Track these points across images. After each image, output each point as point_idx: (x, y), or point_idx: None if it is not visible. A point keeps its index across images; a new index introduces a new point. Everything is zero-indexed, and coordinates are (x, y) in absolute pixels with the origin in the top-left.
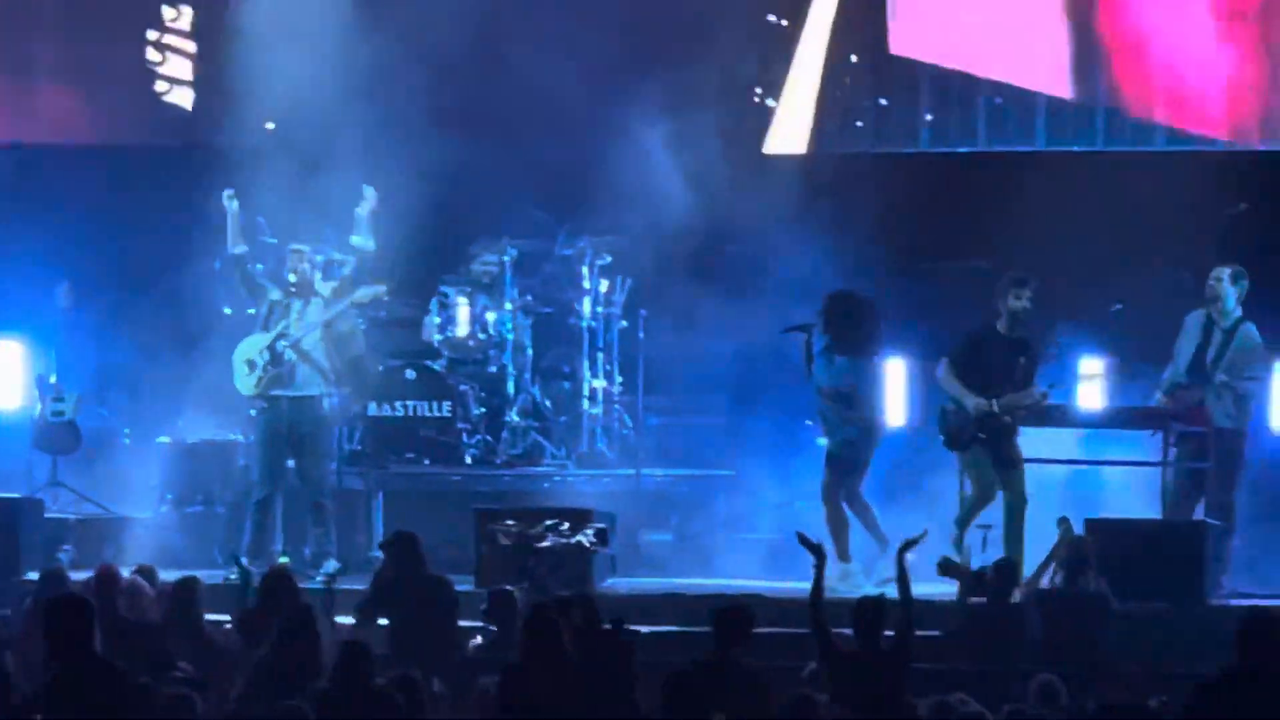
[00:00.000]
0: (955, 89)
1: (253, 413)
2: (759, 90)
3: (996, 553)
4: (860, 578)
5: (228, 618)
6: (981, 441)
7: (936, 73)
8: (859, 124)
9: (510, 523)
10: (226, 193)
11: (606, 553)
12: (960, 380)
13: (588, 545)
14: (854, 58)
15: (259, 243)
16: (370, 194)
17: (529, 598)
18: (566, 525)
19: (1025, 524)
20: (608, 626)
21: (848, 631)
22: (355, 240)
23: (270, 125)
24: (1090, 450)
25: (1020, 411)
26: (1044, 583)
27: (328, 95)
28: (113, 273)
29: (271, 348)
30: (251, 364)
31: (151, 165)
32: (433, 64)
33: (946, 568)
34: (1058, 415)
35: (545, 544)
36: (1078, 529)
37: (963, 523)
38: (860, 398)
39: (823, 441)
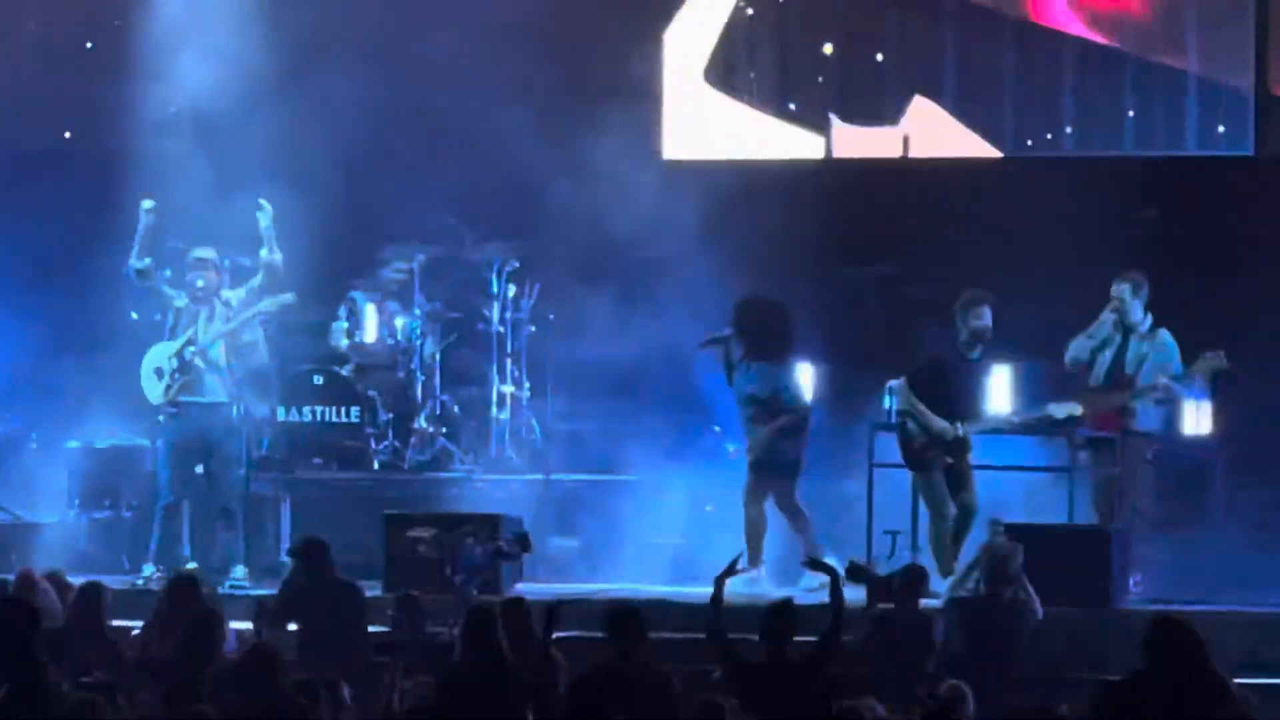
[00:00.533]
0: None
1: (161, 418)
2: (661, 96)
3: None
4: (767, 584)
5: (136, 623)
6: (943, 464)
7: None
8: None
9: (426, 530)
10: (146, 204)
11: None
12: (922, 402)
13: (506, 550)
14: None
15: (166, 247)
16: (267, 207)
17: (460, 602)
18: (485, 532)
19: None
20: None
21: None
22: (263, 255)
23: (172, 109)
24: (1000, 456)
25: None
26: (969, 588)
27: (235, 97)
28: (16, 275)
29: (179, 355)
30: (160, 371)
31: (57, 166)
32: (340, 69)
33: (854, 571)
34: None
35: (466, 550)
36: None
37: (945, 546)
38: (783, 402)
39: (732, 448)
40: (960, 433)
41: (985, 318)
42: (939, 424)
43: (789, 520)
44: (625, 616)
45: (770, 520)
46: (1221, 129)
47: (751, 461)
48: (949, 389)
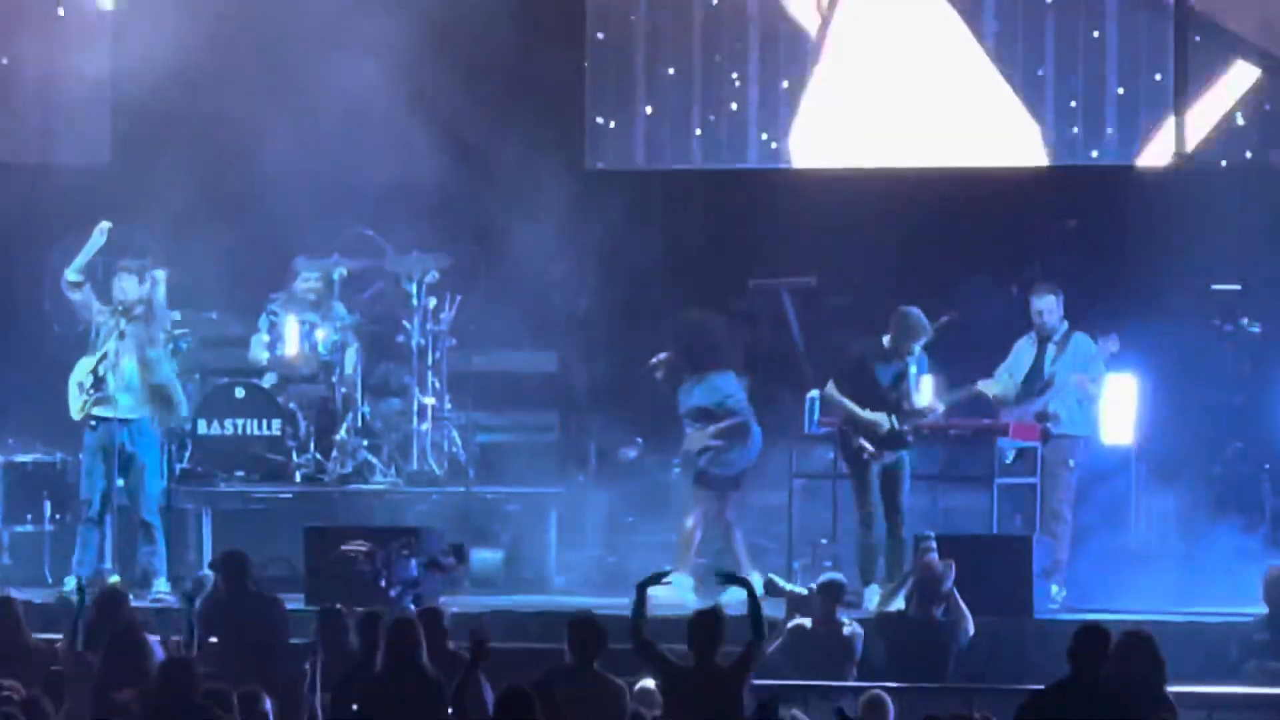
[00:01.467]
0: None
1: (84, 431)
2: (586, 105)
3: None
4: (690, 593)
5: (57, 636)
6: (875, 458)
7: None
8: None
9: (361, 544)
10: (103, 225)
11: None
12: (851, 400)
13: (441, 562)
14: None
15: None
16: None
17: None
18: (419, 543)
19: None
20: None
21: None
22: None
23: None
24: (922, 465)
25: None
26: (897, 604)
27: (160, 106)
28: None
29: (95, 370)
30: (80, 385)
31: None
32: (253, 78)
33: (771, 588)
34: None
35: (401, 563)
36: (909, 546)
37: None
38: (728, 409)
39: (678, 469)
40: (893, 425)
41: (917, 347)
42: (870, 417)
43: (722, 532)
44: (586, 626)
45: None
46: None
47: (694, 472)
48: (876, 385)
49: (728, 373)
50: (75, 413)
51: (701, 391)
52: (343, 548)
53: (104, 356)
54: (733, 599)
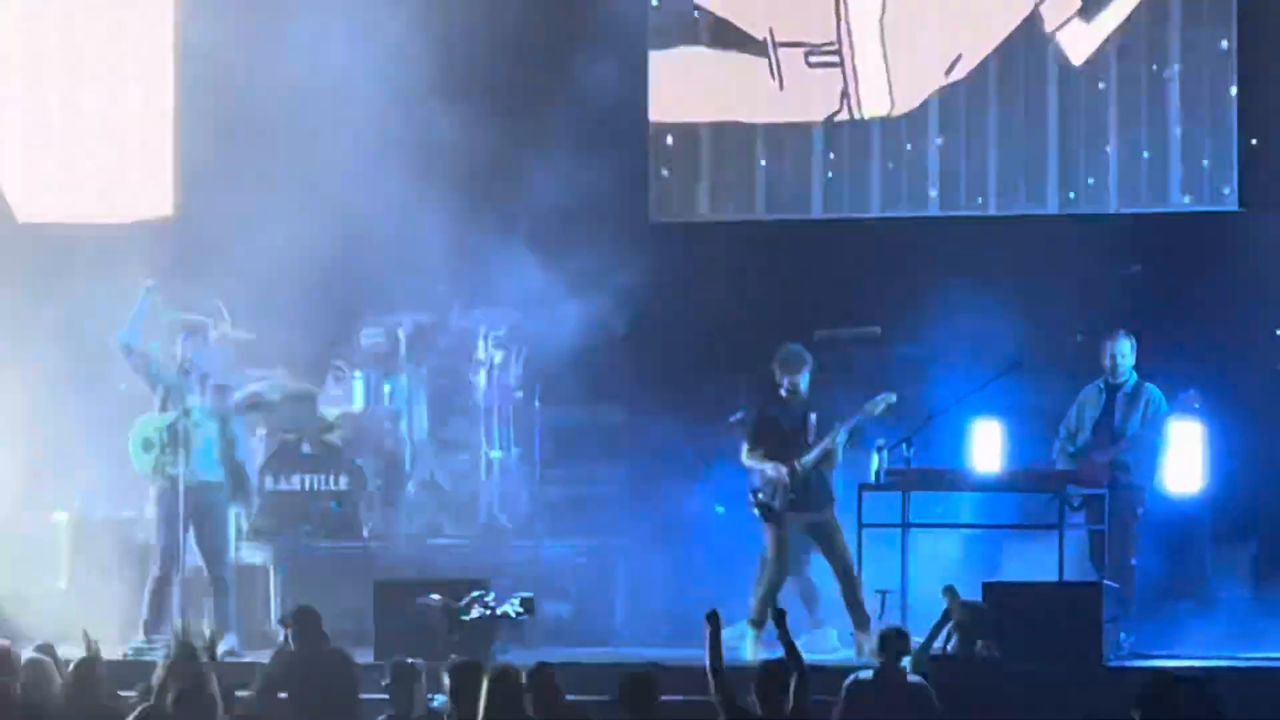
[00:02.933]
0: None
1: (152, 490)
2: (650, 158)
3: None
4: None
5: (131, 693)
6: (795, 506)
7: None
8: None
9: (435, 596)
10: (148, 283)
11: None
12: (759, 453)
13: (514, 615)
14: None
15: (154, 322)
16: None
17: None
18: (491, 595)
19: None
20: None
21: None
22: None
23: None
24: (986, 515)
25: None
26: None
27: (224, 161)
28: (7, 349)
29: (172, 429)
30: (149, 443)
31: (47, 242)
32: (325, 131)
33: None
34: (955, 479)
35: (473, 615)
36: (974, 594)
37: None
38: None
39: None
40: (797, 468)
41: (802, 380)
42: (771, 470)
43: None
44: (641, 684)
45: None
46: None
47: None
48: (781, 431)
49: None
50: (143, 469)
51: None
52: (418, 600)
53: (185, 413)
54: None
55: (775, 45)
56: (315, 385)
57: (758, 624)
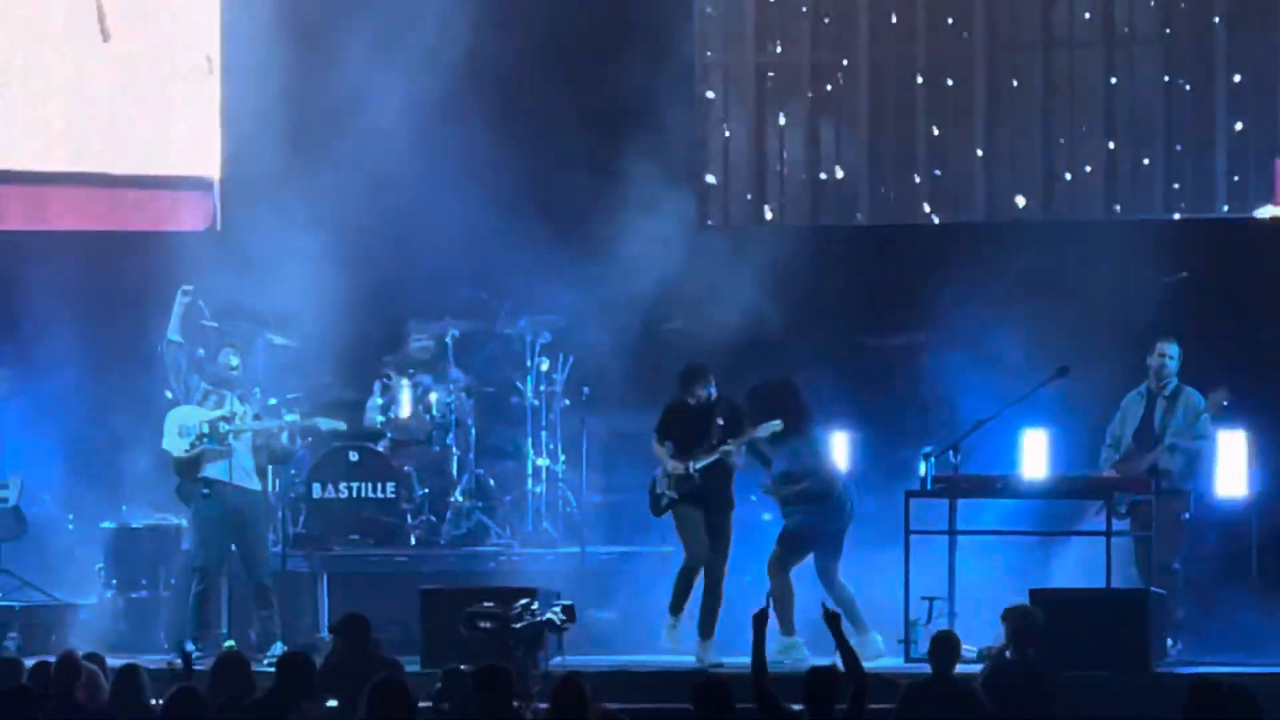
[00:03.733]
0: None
1: (197, 499)
2: (697, 163)
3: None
4: (804, 650)
5: None
6: (676, 503)
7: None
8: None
9: (489, 604)
10: (186, 288)
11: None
12: (665, 447)
13: (558, 623)
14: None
15: (200, 327)
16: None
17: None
18: (536, 604)
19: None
20: None
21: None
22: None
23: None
24: (1034, 521)
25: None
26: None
27: (268, 170)
28: (51, 358)
29: (214, 424)
30: (184, 430)
31: (87, 250)
32: (368, 141)
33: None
34: (1001, 486)
35: (522, 623)
36: (1023, 599)
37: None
38: (810, 474)
39: (768, 517)
40: (687, 470)
41: (709, 389)
42: (670, 462)
43: (828, 591)
44: (713, 688)
45: (811, 590)
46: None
47: (783, 532)
48: (683, 431)
49: (806, 434)
50: (176, 451)
51: (785, 456)
52: (468, 610)
53: (226, 417)
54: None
55: None
56: (361, 392)
57: (674, 611)
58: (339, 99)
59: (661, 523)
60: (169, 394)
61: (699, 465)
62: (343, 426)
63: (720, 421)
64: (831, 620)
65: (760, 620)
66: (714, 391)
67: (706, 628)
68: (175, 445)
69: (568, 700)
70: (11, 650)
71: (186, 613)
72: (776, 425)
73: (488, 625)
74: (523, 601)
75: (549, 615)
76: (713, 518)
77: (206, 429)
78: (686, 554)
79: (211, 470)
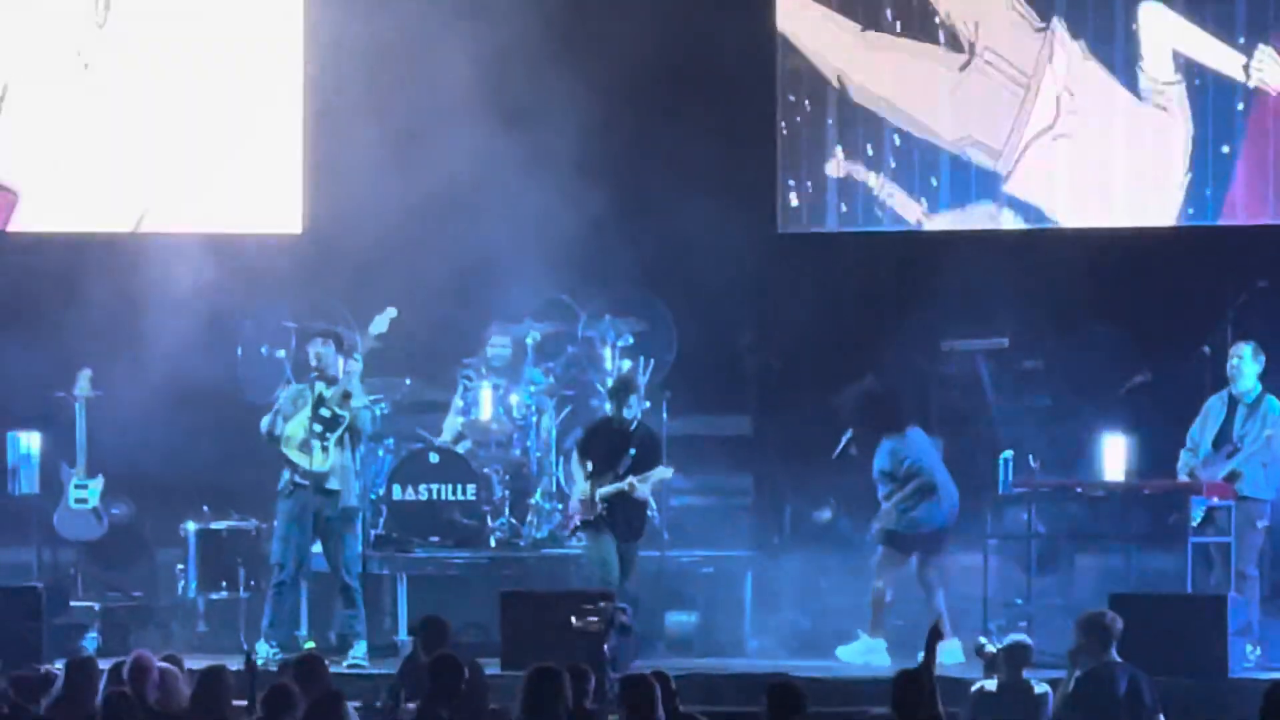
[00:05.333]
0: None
1: (281, 498)
2: (778, 170)
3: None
4: (885, 654)
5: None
6: (584, 526)
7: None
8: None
9: (589, 606)
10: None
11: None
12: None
13: (625, 624)
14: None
15: (280, 327)
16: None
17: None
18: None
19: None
20: None
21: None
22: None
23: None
24: (1113, 526)
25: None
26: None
27: (352, 174)
28: (133, 360)
29: (318, 418)
30: (307, 444)
31: (166, 254)
32: (450, 140)
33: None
34: (1080, 490)
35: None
36: (1103, 605)
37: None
38: (908, 470)
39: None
40: (592, 498)
41: (634, 406)
42: (578, 487)
43: (925, 592)
44: (788, 693)
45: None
46: None
47: (882, 533)
48: (598, 455)
49: (902, 433)
50: (320, 466)
51: (881, 455)
52: (571, 616)
53: (320, 403)
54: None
55: None
56: (442, 393)
57: None
58: (420, 98)
59: (739, 528)
60: (249, 397)
61: (603, 493)
62: (394, 312)
63: (632, 451)
64: (933, 637)
65: (934, 636)
66: (638, 414)
67: None
68: (317, 460)
69: (637, 700)
70: (89, 651)
71: (264, 611)
72: (667, 473)
73: (594, 627)
74: (614, 603)
75: (620, 619)
76: (621, 545)
77: (319, 426)
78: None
79: (303, 473)
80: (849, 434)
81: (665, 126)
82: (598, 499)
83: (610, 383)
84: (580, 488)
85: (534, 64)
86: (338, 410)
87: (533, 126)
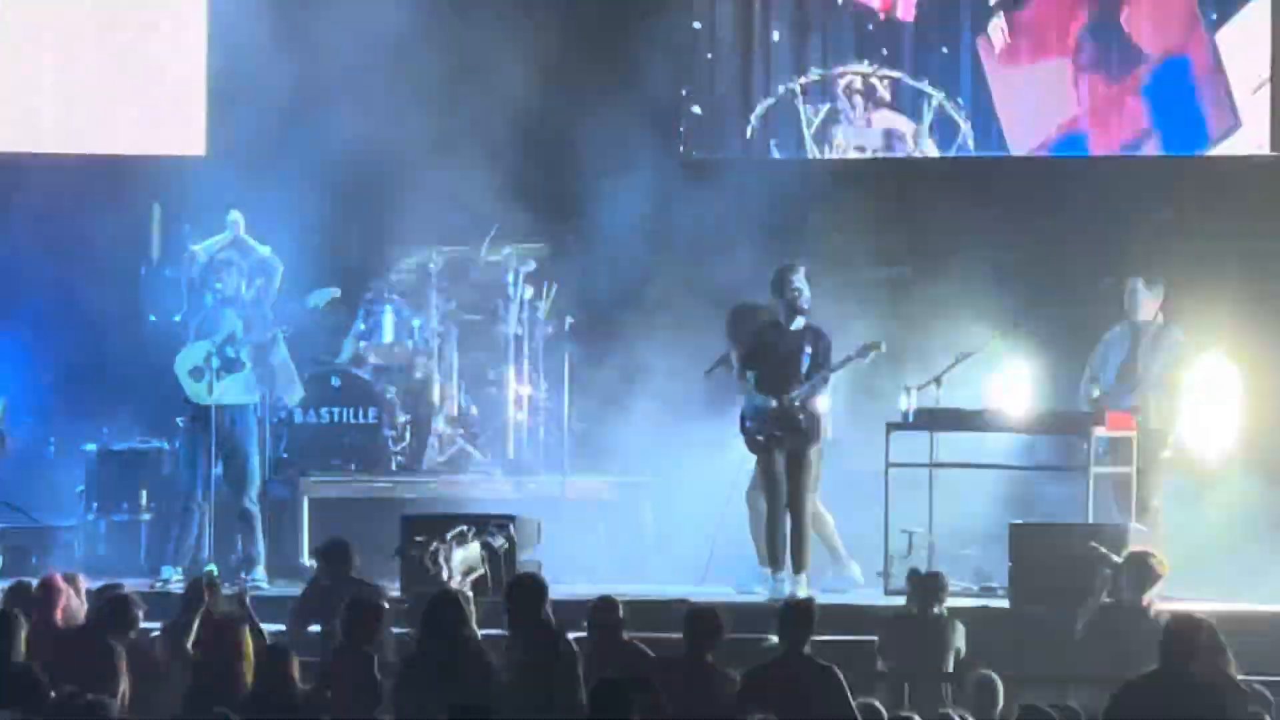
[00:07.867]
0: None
1: (180, 420)
2: (684, 93)
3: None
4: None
5: (155, 625)
6: (778, 440)
7: None
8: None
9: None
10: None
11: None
12: (753, 380)
13: (495, 547)
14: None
15: (185, 250)
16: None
17: None
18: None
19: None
20: None
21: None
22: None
23: None
24: (1016, 455)
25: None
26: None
27: (256, 97)
28: (35, 282)
29: (220, 353)
30: (199, 371)
31: (73, 174)
32: (353, 67)
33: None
34: (983, 420)
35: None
36: (1005, 531)
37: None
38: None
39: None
40: (778, 404)
41: (800, 285)
42: (759, 400)
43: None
44: (704, 618)
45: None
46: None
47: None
48: (774, 362)
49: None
50: (202, 399)
51: None
52: (486, 537)
53: (228, 340)
54: (827, 587)
55: None
56: (344, 317)
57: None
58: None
59: (644, 452)
60: (152, 318)
61: (795, 395)
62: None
63: (809, 349)
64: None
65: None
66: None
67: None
68: (197, 391)
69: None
70: None
71: (168, 535)
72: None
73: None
74: (460, 528)
75: (486, 539)
76: (799, 452)
77: (217, 361)
78: (770, 501)
79: (228, 396)
80: (726, 350)
81: (567, 49)
82: (788, 402)
83: None
84: (761, 399)
85: None
86: (242, 356)
87: (435, 48)
